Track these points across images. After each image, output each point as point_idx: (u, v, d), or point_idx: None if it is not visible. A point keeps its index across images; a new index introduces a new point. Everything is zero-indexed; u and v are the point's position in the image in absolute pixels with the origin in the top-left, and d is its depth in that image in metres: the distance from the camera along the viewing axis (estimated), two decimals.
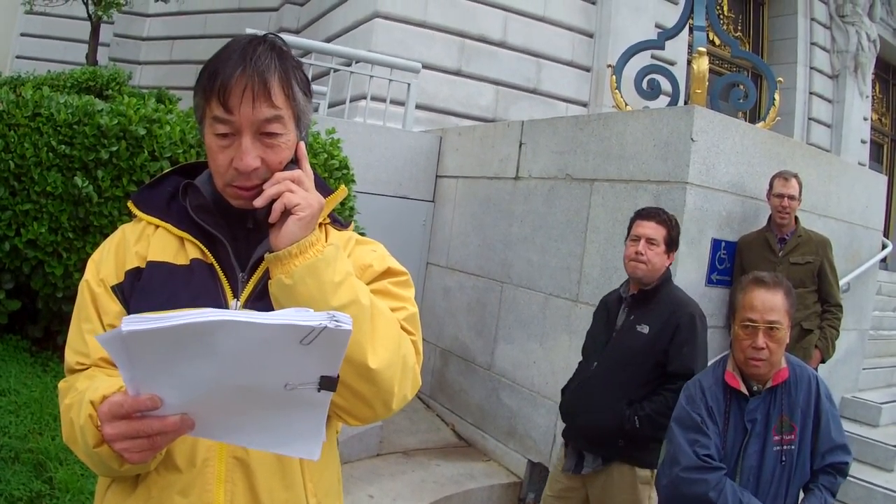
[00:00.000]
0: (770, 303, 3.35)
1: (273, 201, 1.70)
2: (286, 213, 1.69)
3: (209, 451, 1.79)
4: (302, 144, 1.87)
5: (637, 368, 4.51)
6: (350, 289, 1.69)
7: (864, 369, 8.60)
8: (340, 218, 2.13)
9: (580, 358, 4.98)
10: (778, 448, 3.41)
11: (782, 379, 3.46)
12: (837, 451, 3.52)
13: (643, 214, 4.62)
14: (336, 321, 1.39)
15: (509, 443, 7.16)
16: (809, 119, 17.15)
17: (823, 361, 6.23)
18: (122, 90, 9.06)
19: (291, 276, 1.66)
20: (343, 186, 2.01)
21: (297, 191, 1.71)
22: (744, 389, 3.44)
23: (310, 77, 7.58)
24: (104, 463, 1.63)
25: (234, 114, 1.74)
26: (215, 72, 1.77)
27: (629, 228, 4.66)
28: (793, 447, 3.43)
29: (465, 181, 8.69)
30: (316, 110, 9.46)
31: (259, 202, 1.71)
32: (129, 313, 1.77)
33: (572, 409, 4.66)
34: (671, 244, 4.58)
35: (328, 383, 1.48)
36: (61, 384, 1.85)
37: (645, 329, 4.49)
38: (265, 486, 1.82)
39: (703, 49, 8.07)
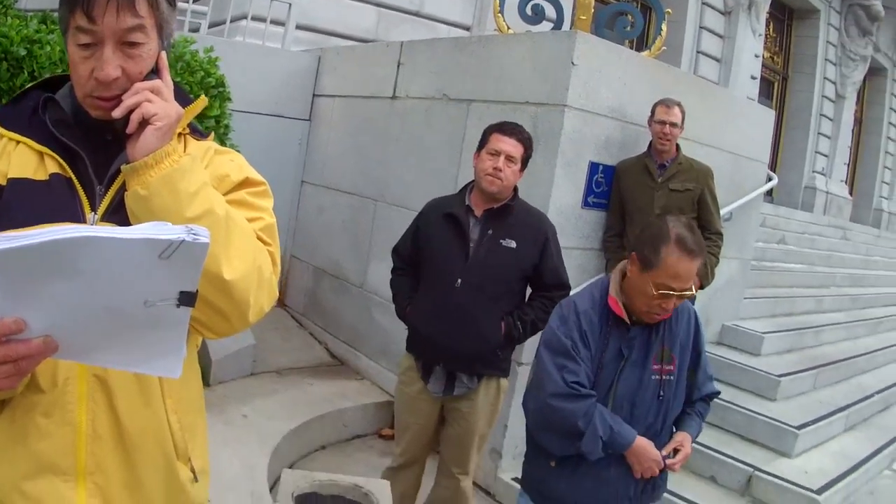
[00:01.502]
0: (692, 272, 3.22)
1: (131, 112, 1.68)
2: (144, 123, 1.68)
3: (70, 371, 1.76)
4: (163, 55, 1.84)
5: (508, 283, 4.52)
6: (205, 199, 1.69)
7: (745, 299, 8.73)
8: (200, 128, 2.04)
9: None
10: (657, 377, 3.35)
11: None
12: (709, 381, 3.62)
13: (504, 130, 4.49)
14: (194, 234, 1.38)
15: (382, 361, 7.12)
16: (699, 53, 17.20)
17: (702, 287, 6.21)
18: (7, 13, 8.70)
19: (147, 187, 1.65)
20: (203, 96, 1.92)
21: (155, 101, 1.70)
22: (626, 318, 3.31)
23: None
24: None
25: (96, 23, 1.70)
26: None
27: (484, 140, 4.53)
28: (672, 378, 3.38)
29: (343, 101, 8.61)
30: (197, 30, 9.24)
31: (117, 112, 1.69)
32: None
33: (440, 330, 4.49)
34: (526, 162, 4.52)
35: (187, 298, 1.47)
36: None
37: (512, 244, 4.44)
38: (125, 404, 1.82)
39: None
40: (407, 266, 4.85)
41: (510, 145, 4.41)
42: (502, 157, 4.38)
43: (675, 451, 3.43)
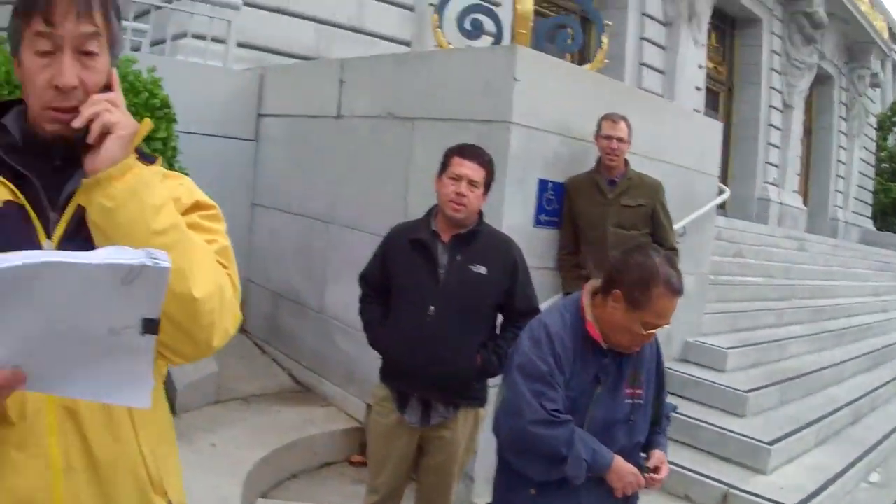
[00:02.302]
0: (675, 307, 3.21)
1: (91, 123, 1.64)
2: (104, 134, 1.64)
3: (39, 402, 1.71)
4: (114, 71, 1.81)
5: (481, 309, 4.41)
6: (170, 213, 1.68)
7: (706, 314, 8.65)
8: (147, 151, 1.95)
9: None
10: (629, 402, 3.35)
11: None
12: (667, 402, 3.69)
13: (465, 153, 4.32)
14: (154, 258, 1.37)
15: (348, 387, 7.01)
16: (641, 65, 17.20)
17: None
18: None
19: (113, 198, 1.61)
20: (147, 119, 1.83)
21: (114, 111, 1.66)
22: (604, 344, 3.27)
23: (131, 16, 7.27)
24: None
25: (56, 28, 1.69)
26: None
27: (445, 164, 4.35)
28: (641, 401, 3.40)
29: (287, 120, 8.50)
30: (138, 49, 9.14)
31: (78, 122, 1.65)
32: None
33: (416, 360, 4.32)
34: (489, 186, 4.36)
35: (151, 326, 1.45)
36: None
37: (482, 269, 4.29)
38: (96, 436, 1.77)
39: None
40: (376, 294, 4.68)
41: (471, 169, 4.26)
42: (464, 182, 4.23)
43: (656, 468, 3.42)
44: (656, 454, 3.47)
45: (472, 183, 4.23)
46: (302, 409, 6.97)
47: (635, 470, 3.27)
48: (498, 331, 4.52)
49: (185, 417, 6.11)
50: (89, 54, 1.73)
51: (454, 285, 4.30)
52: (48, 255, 1.35)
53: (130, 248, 1.41)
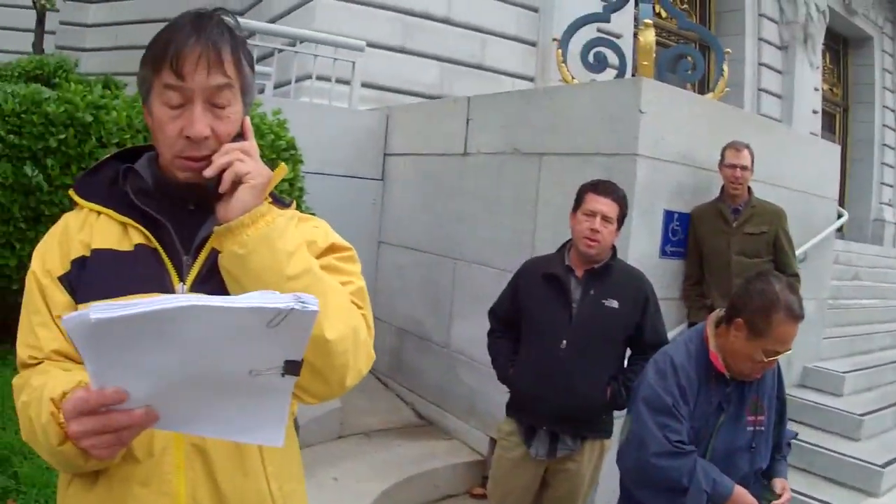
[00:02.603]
0: (796, 333, 3.26)
1: (223, 172, 1.69)
2: (236, 183, 1.68)
3: (167, 440, 1.74)
4: (248, 119, 1.85)
5: (612, 343, 4.45)
6: (304, 258, 1.70)
7: (824, 339, 8.55)
8: (282, 197, 2.05)
9: None
10: (751, 429, 3.39)
11: None
12: (789, 428, 3.73)
13: (599, 189, 4.39)
14: (302, 302, 1.36)
15: (470, 420, 7.08)
16: (759, 90, 17.12)
17: None
18: (69, 78, 8.89)
19: (244, 245, 1.65)
20: (283, 164, 1.90)
21: (246, 160, 1.70)
22: (727, 373, 3.35)
23: (255, 59, 7.58)
24: (69, 460, 1.60)
25: (186, 80, 1.73)
26: (168, 41, 1.75)
27: (579, 200, 4.44)
28: (763, 428, 3.43)
29: (414, 158, 8.60)
30: (262, 91, 9.40)
31: (209, 172, 1.70)
32: (76, 303, 1.76)
33: (547, 394, 4.38)
34: (621, 221, 4.44)
35: (293, 367, 1.45)
36: (15, 380, 1.80)
37: (614, 304, 4.36)
38: (224, 472, 1.79)
39: (649, 21, 8.00)
40: (505, 328, 4.75)
41: (605, 205, 4.32)
42: (598, 218, 4.29)
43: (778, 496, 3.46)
44: (779, 482, 3.52)
45: (605, 219, 4.29)
46: (424, 443, 7.04)
47: (754, 501, 3.30)
48: (626, 362, 4.58)
49: (307, 452, 6.05)
50: (221, 104, 1.77)
51: (587, 319, 4.36)
52: (195, 298, 1.36)
53: (278, 293, 1.39)
